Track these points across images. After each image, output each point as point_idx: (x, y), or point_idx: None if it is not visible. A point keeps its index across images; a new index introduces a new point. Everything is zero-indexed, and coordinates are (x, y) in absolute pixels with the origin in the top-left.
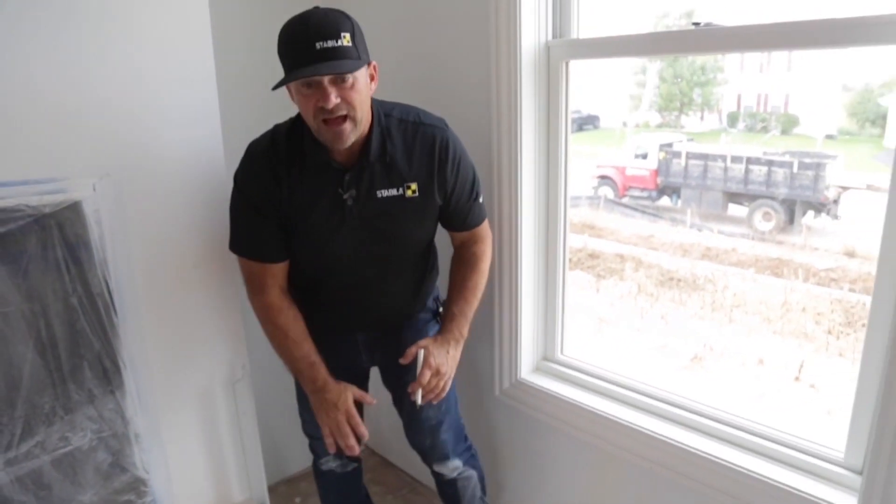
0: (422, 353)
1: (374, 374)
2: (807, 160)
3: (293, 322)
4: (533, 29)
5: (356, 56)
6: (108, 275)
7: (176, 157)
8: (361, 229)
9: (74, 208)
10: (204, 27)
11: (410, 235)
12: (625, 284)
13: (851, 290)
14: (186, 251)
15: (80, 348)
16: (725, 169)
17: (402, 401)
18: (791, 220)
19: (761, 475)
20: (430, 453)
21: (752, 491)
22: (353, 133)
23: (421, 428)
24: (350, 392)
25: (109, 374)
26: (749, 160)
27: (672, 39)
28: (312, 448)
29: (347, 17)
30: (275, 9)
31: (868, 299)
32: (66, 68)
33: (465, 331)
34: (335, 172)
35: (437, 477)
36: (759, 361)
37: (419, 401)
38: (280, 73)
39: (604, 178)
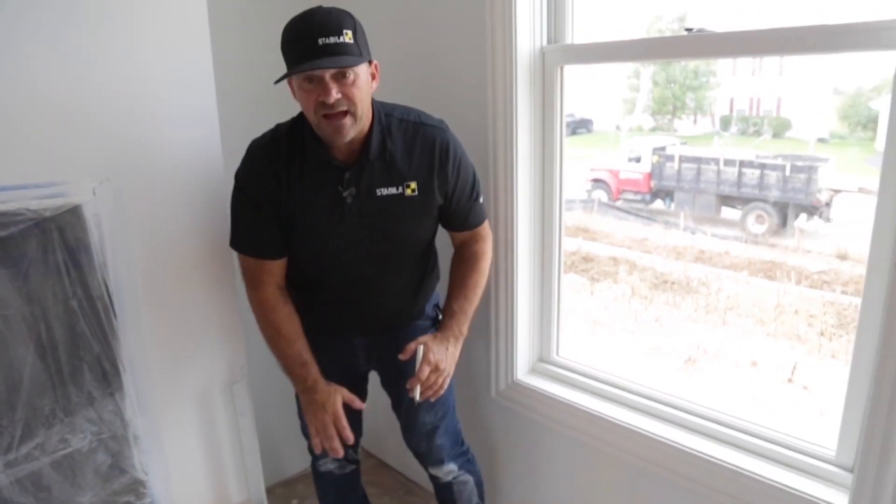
0: (421, 349)
1: (374, 376)
2: (799, 163)
3: (287, 319)
4: (528, 34)
5: (358, 53)
6: (107, 278)
7: (175, 160)
8: (360, 227)
9: (75, 212)
10: (202, 29)
11: (409, 234)
12: (619, 287)
13: (844, 292)
14: (185, 254)
15: (79, 351)
16: (718, 172)
17: (400, 404)
18: (784, 223)
19: (755, 473)
20: (426, 457)
21: (747, 489)
22: (352, 128)
23: (417, 432)
24: (339, 394)
25: (109, 376)
26: (742, 163)
27: (665, 45)
28: (311, 449)
29: (350, 15)
30: (273, 10)
31: (860, 301)
32: (66, 71)
33: (465, 328)
34: (335, 170)
35: (434, 480)
36: (752, 363)
37: (417, 397)
38: (280, 73)
39: (597, 182)
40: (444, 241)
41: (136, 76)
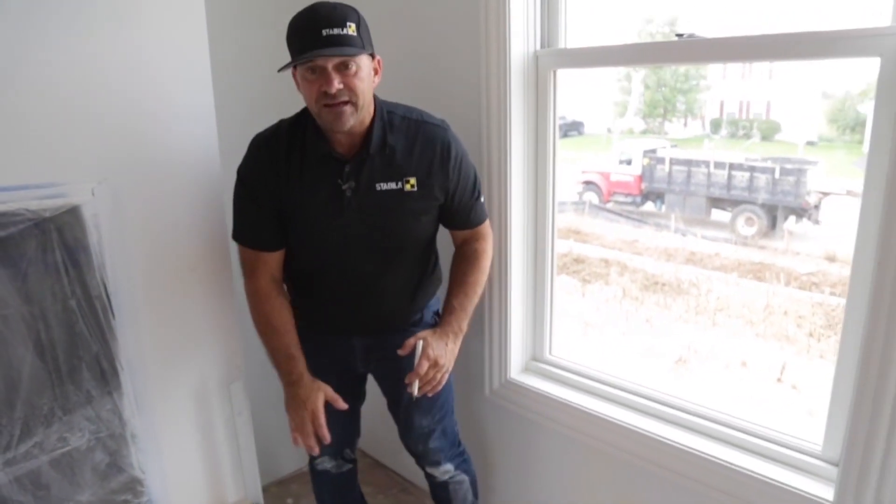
0: (420, 344)
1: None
2: (788, 166)
3: (278, 311)
4: (522, 38)
5: (360, 45)
6: (106, 278)
7: (173, 160)
8: (359, 222)
9: (74, 212)
10: (200, 28)
11: (408, 231)
12: (610, 289)
13: (832, 293)
14: (183, 254)
15: (78, 350)
16: (709, 174)
17: (398, 405)
18: (773, 225)
19: (744, 468)
20: (424, 457)
21: (737, 484)
22: (352, 116)
23: (415, 434)
24: (321, 392)
25: (107, 375)
26: (732, 166)
27: (656, 50)
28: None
29: (354, 9)
30: (271, 9)
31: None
32: (65, 71)
33: (465, 325)
34: (336, 164)
35: (430, 479)
36: (742, 363)
37: (416, 392)
38: (285, 73)
39: (589, 184)
40: (445, 246)
41: (135, 76)
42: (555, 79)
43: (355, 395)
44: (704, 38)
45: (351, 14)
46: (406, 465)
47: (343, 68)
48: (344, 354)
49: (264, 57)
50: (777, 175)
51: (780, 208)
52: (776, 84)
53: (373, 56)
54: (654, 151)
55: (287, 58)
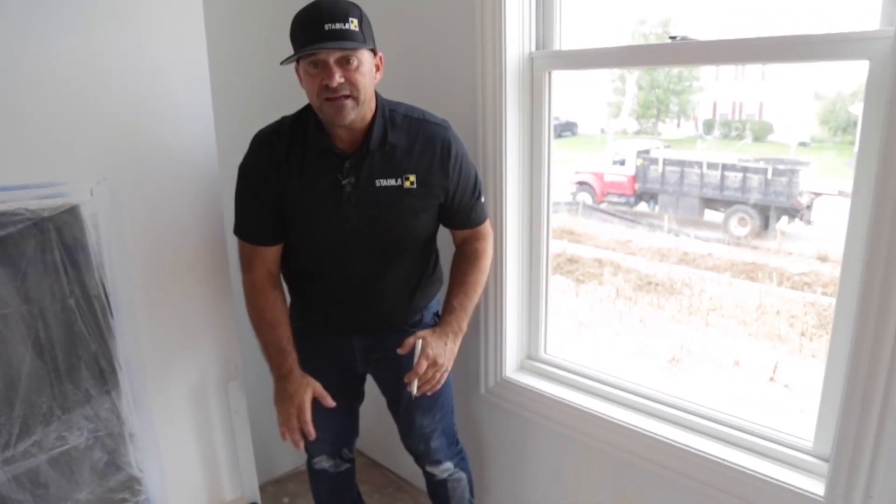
0: (419, 343)
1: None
2: (781, 167)
3: (272, 305)
4: (517, 40)
5: (362, 40)
6: (104, 277)
7: (171, 160)
8: (358, 218)
9: (72, 212)
10: (198, 28)
11: (407, 228)
12: (603, 289)
13: (824, 293)
14: (181, 254)
15: (77, 349)
16: (702, 175)
17: (398, 405)
18: (766, 225)
19: (736, 464)
20: (424, 457)
21: (729, 480)
22: (353, 110)
23: (416, 434)
24: (310, 388)
25: (106, 374)
26: (725, 167)
27: (650, 52)
28: (306, 447)
29: (357, 6)
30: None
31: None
32: (64, 72)
33: (465, 325)
34: (336, 159)
35: (429, 477)
36: (734, 363)
37: (415, 391)
38: (277, 71)
39: (582, 184)
40: (446, 247)
41: (134, 76)
42: (550, 80)
43: (354, 396)
44: (697, 40)
45: (353, 10)
46: (401, 463)
47: (345, 63)
48: (344, 354)
49: (262, 56)
50: (769, 176)
51: (773, 209)
52: (769, 85)
53: (375, 52)
54: (647, 152)
55: (288, 54)
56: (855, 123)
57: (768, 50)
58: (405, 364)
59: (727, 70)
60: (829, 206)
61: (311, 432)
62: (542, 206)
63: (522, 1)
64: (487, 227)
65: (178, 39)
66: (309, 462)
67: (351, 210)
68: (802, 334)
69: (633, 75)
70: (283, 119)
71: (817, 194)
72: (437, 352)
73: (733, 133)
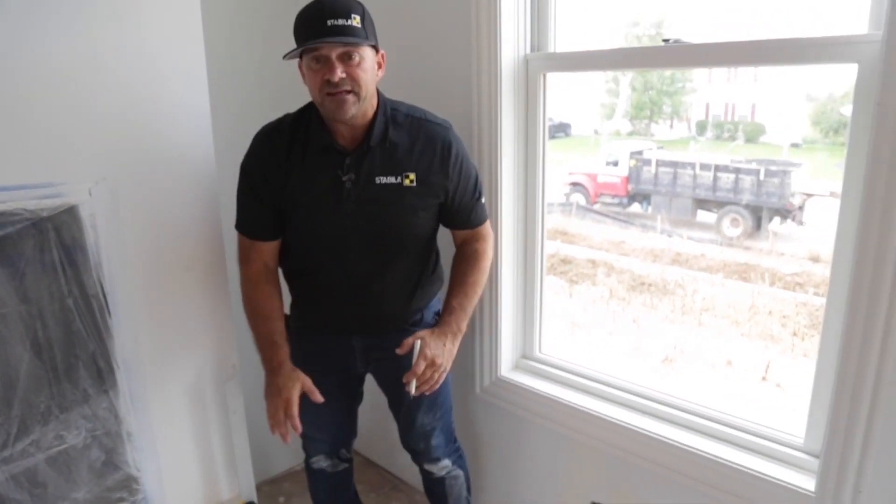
0: (418, 343)
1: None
2: (773, 168)
3: (267, 298)
4: (512, 43)
5: (364, 36)
6: (102, 277)
7: (169, 160)
8: (357, 215)
9: (71, 212)
10: (196, 28)
11: (406, 226)
12: (597, 289)
13: (816, 293)
14: (179, 254)
15: (75, 349)
16: (694, 176)
17: (398, 405)
18: (758, 226)
19: (729, 461)
20: (423, 455)
21: (722, 476)
22: (354, 106)
23: (416, 433)
24: (299, 383)
25: (103, 373)
26: (717, 168)
27: (643, 55)
28: (304, 447)
29: (359, 2)
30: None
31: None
32: (62, 72)
33: (464, 325)
34: (337, 155)
35: (427, 475)
36: (727, 363)
37: (413, 391)
38: (279, 74)
39: (576, 185)
40: (446, 247)
41: (132, 77)
42: (544, 82)
43: (353, 396)
44: (690, 43)
45: (356, 6)
46: (397, 463)
47: (346, 58)
48: (344, 355)
49: (260, 56)
50: (762, 177)
51: (765, 209)
52: (761, 87)
53: (377, 49)
54: (640, 153)
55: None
56: (846, 125)
57: (760, 53)
58: (405, 364)
59: (720, 72)
60: (821, 207)
61: (298, 426)
62: (537, 206)
63: (517, 3)
64: (488, 227)
65: (175, 40)
66: (307, 461)
67: (351, 206)
68: (794, 334)
69: (626, 77)
70: (286, 116)
71: (809, 195)
72: (436, 352)
73: (726, 134)
